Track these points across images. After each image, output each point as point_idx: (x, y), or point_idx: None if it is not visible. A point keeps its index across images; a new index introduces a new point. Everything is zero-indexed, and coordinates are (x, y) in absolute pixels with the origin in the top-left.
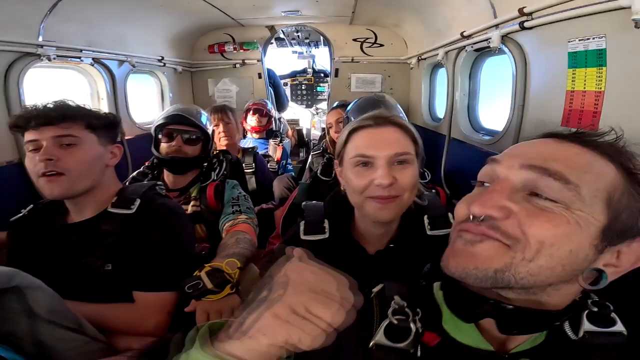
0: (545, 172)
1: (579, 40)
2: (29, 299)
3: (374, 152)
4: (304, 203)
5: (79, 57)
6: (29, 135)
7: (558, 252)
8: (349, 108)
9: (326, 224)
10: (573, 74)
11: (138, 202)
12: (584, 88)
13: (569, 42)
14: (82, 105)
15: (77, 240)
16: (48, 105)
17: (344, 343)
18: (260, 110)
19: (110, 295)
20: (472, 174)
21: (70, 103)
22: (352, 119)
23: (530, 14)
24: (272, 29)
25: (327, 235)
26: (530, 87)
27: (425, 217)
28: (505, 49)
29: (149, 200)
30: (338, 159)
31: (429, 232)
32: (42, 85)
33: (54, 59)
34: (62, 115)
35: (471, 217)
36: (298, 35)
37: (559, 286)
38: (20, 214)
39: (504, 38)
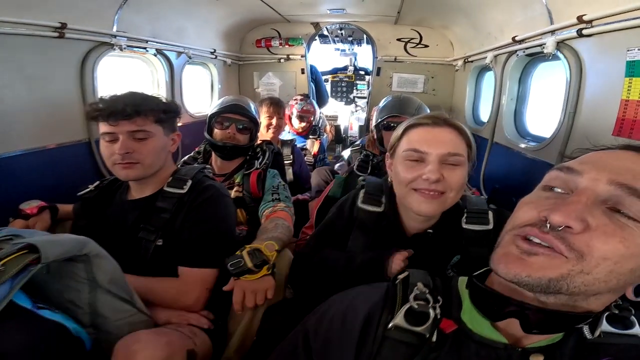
0: (635, 192)
1: (639, 49)
2: (94, 268)
3: (427, 148)
4: (364, 177)
5: (145, 48)
6: (105, 128)
7: (620, 269)
8: (380, 105)
9: (384, 199)
10: (629, 82)
11: (189, 182)
12: None
13: (628, 50)
14: (151, 96)
15: (136, 216)
16: (122, 99)
17: (371, 323)
18: (306, 118)
19: (158, 270)
20: (514, 179)
21: (142, 96)
22: (379, 117)
23: (590, 21)
24: (316, 25)
25: (381, 209)
26: (584, 94)
27: (465, 210)
28: (560, 55)
29: (199, 182)
30: (390, 152)
31: (463, 225)
32: (108, 73)
33: (125, 48)
34: (136, 111)
35: (548, 225)
36: (342, 33)
37: (604, 295)
38: (88, 189)
39: (559, 44)
